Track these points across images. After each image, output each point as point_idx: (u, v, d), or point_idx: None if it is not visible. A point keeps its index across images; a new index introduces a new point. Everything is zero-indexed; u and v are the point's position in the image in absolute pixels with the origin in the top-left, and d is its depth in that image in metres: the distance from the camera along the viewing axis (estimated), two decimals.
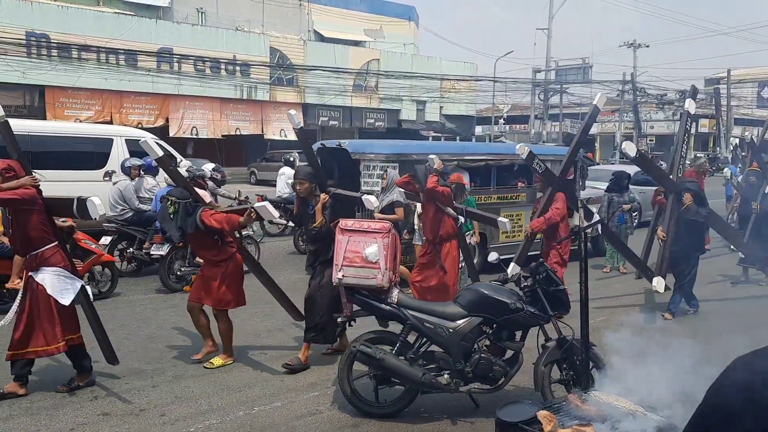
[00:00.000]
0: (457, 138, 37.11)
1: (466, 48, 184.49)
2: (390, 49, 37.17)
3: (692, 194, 7.73)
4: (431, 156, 7.09)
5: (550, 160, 11.23)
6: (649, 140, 47.86)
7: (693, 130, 44.45)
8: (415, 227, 8.64)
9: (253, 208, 5.65)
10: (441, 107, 38.57)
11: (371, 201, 6.08)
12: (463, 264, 8.03)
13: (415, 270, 7.40)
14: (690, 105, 8.85)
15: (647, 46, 40.22)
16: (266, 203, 5.87)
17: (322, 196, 5.95)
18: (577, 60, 37.03)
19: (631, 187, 11.46)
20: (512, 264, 7.64)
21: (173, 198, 5.80)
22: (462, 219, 7.57)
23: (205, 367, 5.92)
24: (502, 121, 46.10)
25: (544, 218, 7.65)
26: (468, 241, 8.43)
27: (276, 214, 5.93)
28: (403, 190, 8.06)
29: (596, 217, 8.73)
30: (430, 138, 35.35)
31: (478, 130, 46.35)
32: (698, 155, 16.48)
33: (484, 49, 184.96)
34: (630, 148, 7.96)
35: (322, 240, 5.90)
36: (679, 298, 8.08)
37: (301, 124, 6.71)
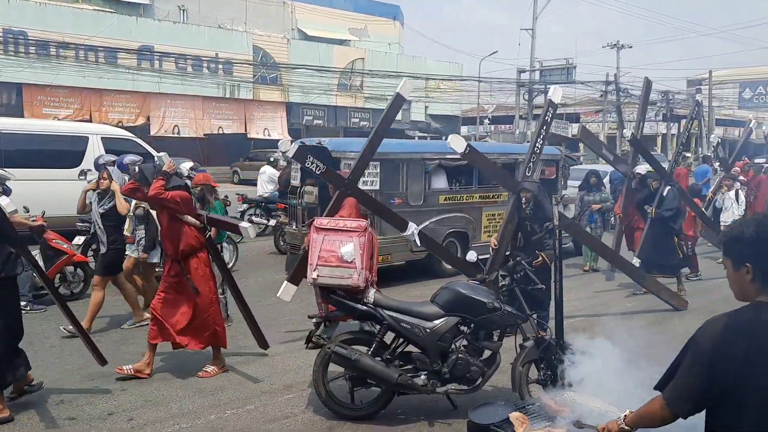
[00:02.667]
0: (443, 138, 37.08)
1: (451, 48, 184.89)
2: (375, 48, 37.06)
3: (530, 194, 6.66)
4: (160, 154, 5.88)
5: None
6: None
7: (675, 131, 44.71)
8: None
9: (239, 225, 5.73)
10: (426, 107, 38.51)
11: (248, 230, 5.73)
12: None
13: (158, 296, 5.78)
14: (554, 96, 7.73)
15: (630, 47, 40.36)
16: (249, 226, 5.82)
17: None
18: (561, 60, 37.08)
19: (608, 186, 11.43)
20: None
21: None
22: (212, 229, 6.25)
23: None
24: (487, 121, 46.13)
25: None
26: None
27: (253, 235, 5.97)
28: None
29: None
30: (416, 137, 35.30)
31: (464, 130, 46.34)
32: (686, 154, 16.62)
33: (469, 49, 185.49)
34: (457, 144, 7.01)
35: None
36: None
37: (290, 151, 6.65)
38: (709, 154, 18.47)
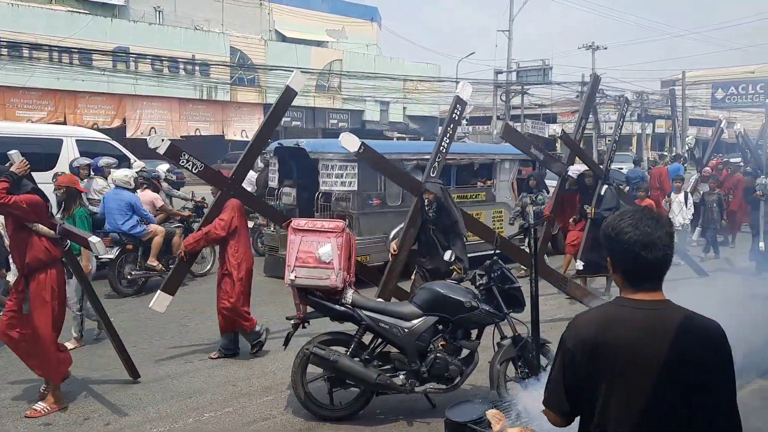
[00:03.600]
0: (421, 138, 37.19)
1: (429, 49, 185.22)
2: (352, 49, 37.05)
3: (433, 196, 6.42)
4: (11, 152, 4.98)
5: (509, 160, 11.31)
6: (608, 140, 48.71)
7: (650, 131, 45.22)
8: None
9: (88, 240, 4.93)
10: (404, 108, 38.59)
11: (97, 246, 4.93)
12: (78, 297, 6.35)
13: (5, 315, 5.09)
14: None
15: (605, 48, 40.80)
16: (98, 241, 4.96)
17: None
18: (537, 62, 37.41)
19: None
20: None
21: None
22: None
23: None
24: (464, 121, 46.37)
25: (203, 233, 6.10)
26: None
27: (103, 251, 5.29)
28: None
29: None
30: (394, 138, 35.34)
31: (442, 130, 46.61)
32: (664, 153, 16.87)
33: (446, 51, 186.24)
34: (349, 143, 6.50)
35: None
36: None
37: (161, 148, 5.81)
38: (682, 153, 18.81)
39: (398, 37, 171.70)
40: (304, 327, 5.09)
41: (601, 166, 8.99)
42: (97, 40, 25.94)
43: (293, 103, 6.89)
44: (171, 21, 30.64)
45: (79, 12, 27.39)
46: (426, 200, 6.48)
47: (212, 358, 6.20)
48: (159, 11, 31.00)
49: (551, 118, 44.10)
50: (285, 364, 5.86)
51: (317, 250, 4.83)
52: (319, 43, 36.82)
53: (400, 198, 9.74)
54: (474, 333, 4.96)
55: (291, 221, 5.21)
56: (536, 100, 39.15)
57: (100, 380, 5.58)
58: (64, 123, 24.12)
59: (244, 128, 31.15)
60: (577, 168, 8.91)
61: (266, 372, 5.87)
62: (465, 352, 4.88)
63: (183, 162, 6.02)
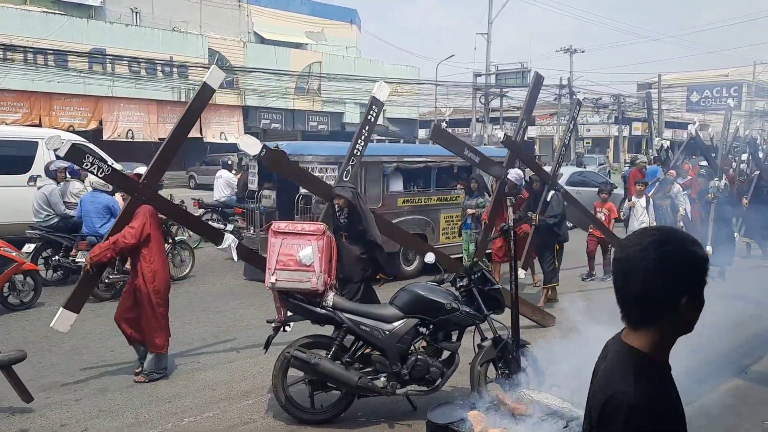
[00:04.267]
0: (401, 141, 37.26)
1: (408, 52, 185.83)
2: (332, 51, 36.99)
3: (344, 201, 6.14)
4: None
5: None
6: (586, 143, 49.24)
7: (626, 133, 45.80)
8: None
9: None
10: (384, 110, 38.64)
11: None
12: None
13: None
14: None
15: (583, 52, 41.23)
16: None
17: None
18: (516, 64, 37.69)
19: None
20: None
21: None
22: None
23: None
24: (444, 124, 46.57)
25: (110, 242, 5.57)
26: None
27: None
28: None
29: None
30: (375, 140, 35.37)
31: (421, 133, 46.63)
32: (638, 155, 16.84)
33: (425, 53, 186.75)
34: (249, 145, 6.02)
35: None
36: None
37: (61, 150, 5.17)
38: (650, 155, 18.95)
39: (378, 40, 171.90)
40: (284, 330, 5.08)
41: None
42: (73, 42, 25.58)
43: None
44: (148, 22, 30.33)
45: (54, 13, 27.01)
46: (336, 206, 6.20)
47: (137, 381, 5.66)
48: (136, 12, 30.67)
49: (530, 121, 44.46)
50: (264, 368, 5.83)
51: (298, 253, 4.82)
52: (298, 45, 36.70)
53: (380, 200, 9.75)
54: (455, 335, 4.98)
55: (272, 224, 5.18)
56: (515, 102, 39.41)
57: (76, 385, 5.50)
58: (39, 125, 23.76)
59: (222, 131, 30.93)
60: (517, 171, 8.46)
61: (246, 376, 5.83)
62: (446, 353, 4.90)
63: (86, 165, 5.40)
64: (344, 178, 6.56)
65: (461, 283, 5.00)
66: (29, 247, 8.63)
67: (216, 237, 6.04)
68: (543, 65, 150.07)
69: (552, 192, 8.42)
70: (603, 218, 10.00)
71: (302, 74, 34.17)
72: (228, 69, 31.14)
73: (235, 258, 6.16)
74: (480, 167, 8.20)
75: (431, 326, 4.84)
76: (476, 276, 4.94)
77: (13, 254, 7.56)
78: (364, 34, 44.22)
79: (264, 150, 6.03)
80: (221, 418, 4.94)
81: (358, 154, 6.72)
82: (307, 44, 37.70)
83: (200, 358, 6.33)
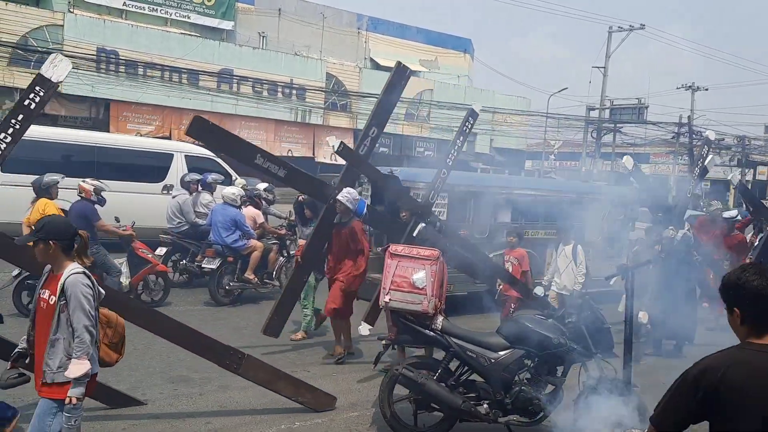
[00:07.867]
0: (506, 172, 37.00)
1: (520, 83, 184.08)
2: (444, 80, 37.50)
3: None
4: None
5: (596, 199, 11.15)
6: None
7: (750, 177, 42.96)
8: None
9: None
10: (491, 140, 38.55)
11: None
12: None
13: None
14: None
15: (706, 89, 39.38)
16: None
17: None
18: (632, 100, 36.58)
19: None
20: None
21: None
22: None
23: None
24: (552, 156, 45.77)
25: None
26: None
27: None
28: None
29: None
30: (479, 170, 35.33)
31: (528, 164, 46.13)
32: (713, 201, 14.28)
33: (538, 85, 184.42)
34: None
35: None
36: None
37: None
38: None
39: (490, 70, 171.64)
40: (393, 348, 5.33)
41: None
42: (204, 62, 27.59)
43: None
44: (273, 46, 32.14)
45: (191, 35, 29.26)
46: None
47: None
48: (263, 36, 32.60)
49: (644, 158, 42.83)
50: (370, 382, 6.09)
51: (412, 276, 5.07)
52: (411, 73, 37.47)
53: (487, 231, 9.85)
54: (560, 369, 5.02)
55: (389, 246, 5.47)
56: (629, 139, 38.18)
57: (200, 381, 5.99)
58: (169, 137, 25.69)
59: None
60: (349, 191, 7.05)
61: (352, 389, 6.11)
62: (550, 387, 4.96)
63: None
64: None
65: (570, 319, 5.05)
66: (161, 251, 9.43)
67: None
68: (662, 101, 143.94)
69: (421, 224, 7.12)
70: (510, 268, 8.00)
71: (413, 101, 34.84)
72: (343, 93, 32.35)
73: None
74: (286, 183, 7.01)
75: (537, 359, 4.92)
76: (586, 313, 4.98)
77: (150, 256, 8.33)
78: (476, 64, 44.52)
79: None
80: (329, 425, 5.23)
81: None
82: (419, 72, 38.44)
83: (309, 367, 6.68)
